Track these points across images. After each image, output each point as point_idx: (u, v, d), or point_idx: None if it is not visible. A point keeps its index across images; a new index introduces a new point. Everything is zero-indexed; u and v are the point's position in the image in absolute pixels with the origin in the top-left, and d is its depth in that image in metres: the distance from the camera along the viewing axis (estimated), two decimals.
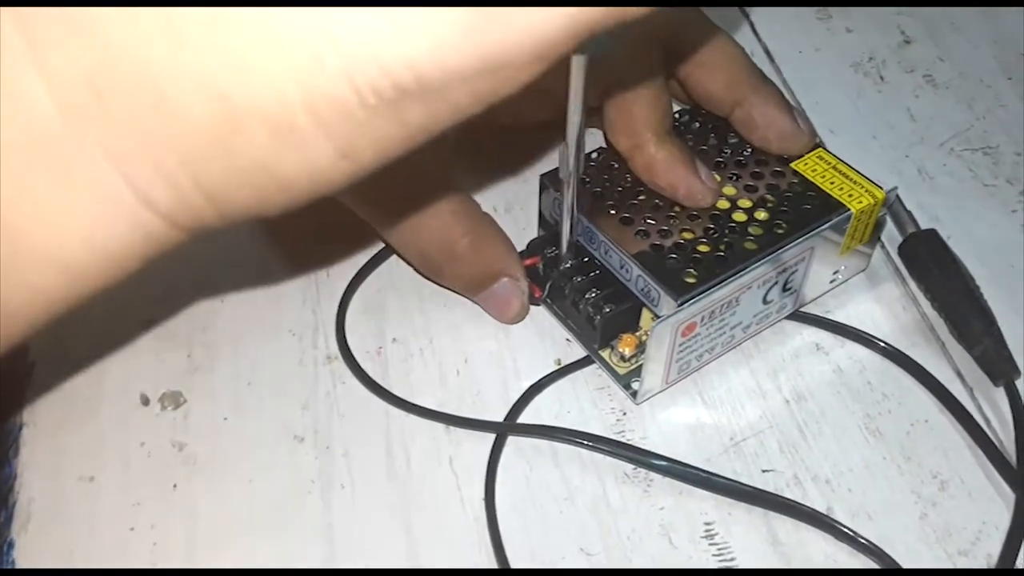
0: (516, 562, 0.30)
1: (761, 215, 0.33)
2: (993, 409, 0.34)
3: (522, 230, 0.39)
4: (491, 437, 0.33)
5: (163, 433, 0.33)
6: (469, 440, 0.33)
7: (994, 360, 0.34)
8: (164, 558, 0.30)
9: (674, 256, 0.32)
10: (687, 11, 0.36)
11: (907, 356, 0.35)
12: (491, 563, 0.30)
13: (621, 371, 0.34)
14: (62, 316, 0.22)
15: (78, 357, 0.35)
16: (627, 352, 0.34)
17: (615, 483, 0.32)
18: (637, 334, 0.34)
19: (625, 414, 0.34)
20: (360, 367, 0.35)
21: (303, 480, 0.32)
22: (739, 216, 0.33)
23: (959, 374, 0.35)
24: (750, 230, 0.33)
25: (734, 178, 0.35)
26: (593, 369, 0.35)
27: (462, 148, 0.36)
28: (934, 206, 0.40)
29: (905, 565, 0.30)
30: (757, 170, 0.35)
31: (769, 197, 0.34)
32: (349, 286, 0.37)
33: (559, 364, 0.35)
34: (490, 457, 0.32)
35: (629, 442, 0.33)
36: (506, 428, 0.33)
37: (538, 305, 0.36)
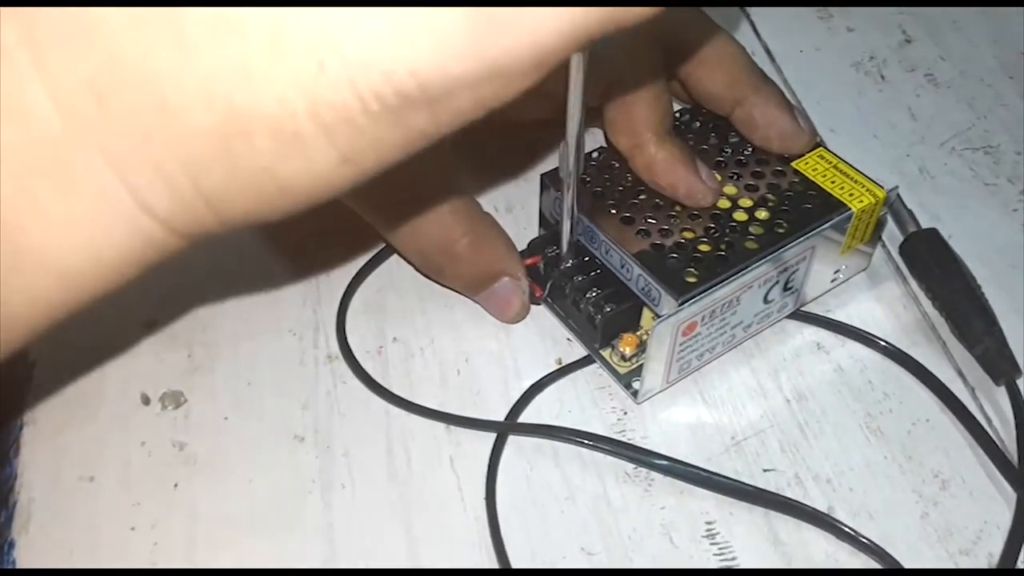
0: (517, 561, 0.30)
1: (762, 214, 0.33)
2: (994, 408, 0.34)
3: (523, 229, 0.39)
4: (492, 437, 0.33)
5: (164, 433, 0.33)
6: (470, 440, 0.33)
7: (995, 359, 0.34)
8: (164, 558, 0.30)
9: (675, 255, 0.32)
10: (688, 10, 0.36)
11: (908, 355, 0.35)
12: (492, 563, 0.30)
13: (622, 371, 0.34)
14: (61, 322, 0.22)
15: (79, 357, 0.35)
16: (628, 352, 0.34)
17: (616, 482, 0.32)
18: (638, 333, 0.34)
19: (626, 413, 0.34)
20: (361, 367, 0.35)
21: (303, 480, 0.32)
22: (740, 215, 0.33)
23: (960, 373, 0.35)
24: (751, 229, 0.33)
25: (735, 177, 0.35)
26: (594, 368, 0.35)
27: (462, 148, 0.36)
28: (935, 205, 0.40)
29: (906, 564, 0.30)
30: (758, 169, 0.35)
31: (770, 196, 0.34)
32: (349, 286, 0.37)
33: (560, 364, 0.35)
34: (491, 457, 0.32)
35: (630, 441, 0.33)
36: (507, 428, 0.33)
37: (539, 304, 0.36)
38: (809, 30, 0.49)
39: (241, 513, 0.31)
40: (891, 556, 0.30)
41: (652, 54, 0.33)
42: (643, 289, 0.32)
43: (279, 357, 0.35)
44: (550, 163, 0.33)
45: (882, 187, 0.34)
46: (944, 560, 0.30)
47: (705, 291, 0.31)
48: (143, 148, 0.19)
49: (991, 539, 0.31)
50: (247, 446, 0.33)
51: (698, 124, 0.37)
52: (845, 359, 0.35)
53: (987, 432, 0.33)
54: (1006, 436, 0.33)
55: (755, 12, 0.49)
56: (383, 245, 0.38)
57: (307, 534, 0.31)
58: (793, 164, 0.35)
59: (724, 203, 0.34)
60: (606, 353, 0.34)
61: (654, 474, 0.32)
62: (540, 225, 0.37)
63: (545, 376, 0.34)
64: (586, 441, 0.32)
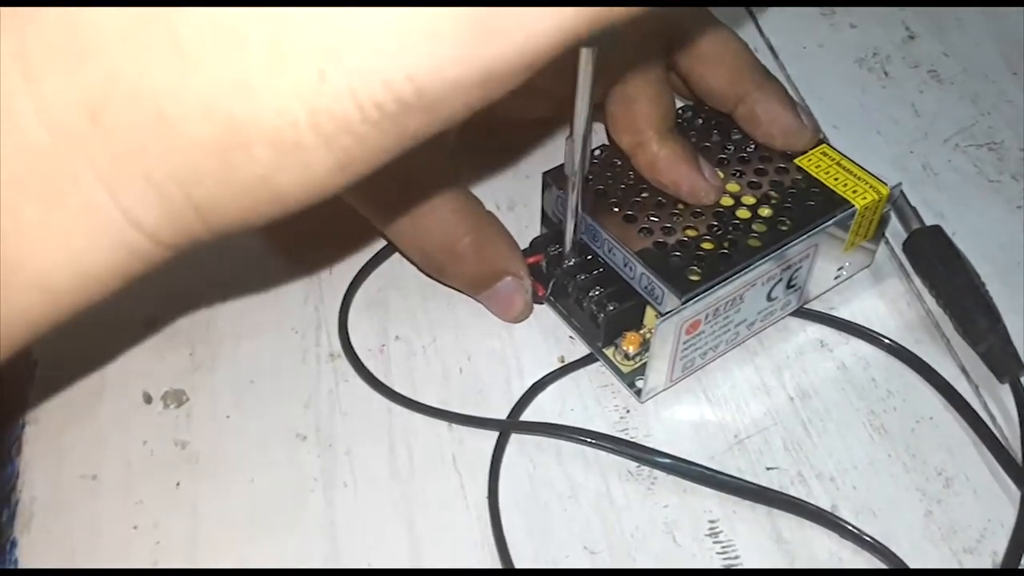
0: (519, 560, 0.30)
1: (765, 212, 0.33)
2: (998, 406, 0.34)
3: (524, 228, 0.39)
4: (494, 435, 0.33)
5: (165, 431, 0.33)
6: (472, 438, 0.33)
7: (999, 357, 0.34)
8: (166, 557, 0.30)
9: (678, 253, 0.32)
10: (690, 7, 0.36)
11: (912, 353, 0.35)
12: (494, 561, 0.30)
13: (625, 369, 0.34)
14: (43, 336, 0.22)
15: (80, 355, 0.35)
16: (631, 350, 0.33)
17: (619, 481, 0.32)
18: (641, 332, 0.34)
19: (629, 412, 0.34)
20: (363, 365, 0.35)
21: (305, 478, 0.32)
22: (743, 213, 0.33)
23: (964, 371, 0.35)
24: (754, 227, 0.33)
25: (738, 175, 0.34)
26: (596, 367, 0.35)
27: (463, 146, 0.36)
28: (939, 202, 0.40)
29: (910, 563, 0.30)
30: (761, 166, 0.35)
31: (773, 194, 0.34)
32: (351, 284, 0.37)
33: (562, 362, 0.35)
34: (493, 455, 0.32)
35: (633, 440, 0.33)
36: (509, 426, 0.33)
37: (541, 304, 0.36)
38: (812, 27, 0.48)
39: (243, 512, 0.31)
40: (895, 555, 0.30)
41: (654, 52, 0.33)
42: (646, 287, 0.32)
43: (281, 355, 0.35)
44: (551, 161, 0.33)
45: (885, 183, 0.34)
46: (948, 558, 0.30)
47: (708, 289, 0.31)
48: (136, 161, 0.19)
49: (995, 537, 0.30)
50: (249, 445, 0.33)
51: (700, 121, 0.37)
52: (848, 357, 0.35)
53: (991, 430, 0.33)
54: (1010, 434, 0.33)
55: (758, 9, 0.49)
56: (385, 243, 0.38)
57: (309, 533, 0.31)
58: (796, 161, 0.35)
59: (727, 201, 0.33)
60: (609, 352, 0.34)
61: (657, 472, 0.32)
62: (542, 223, 0.37)
63: (547, 374, 0.34)
64: (589, 439, 0.32)
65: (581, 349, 0.35)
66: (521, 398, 0.34)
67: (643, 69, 0.32)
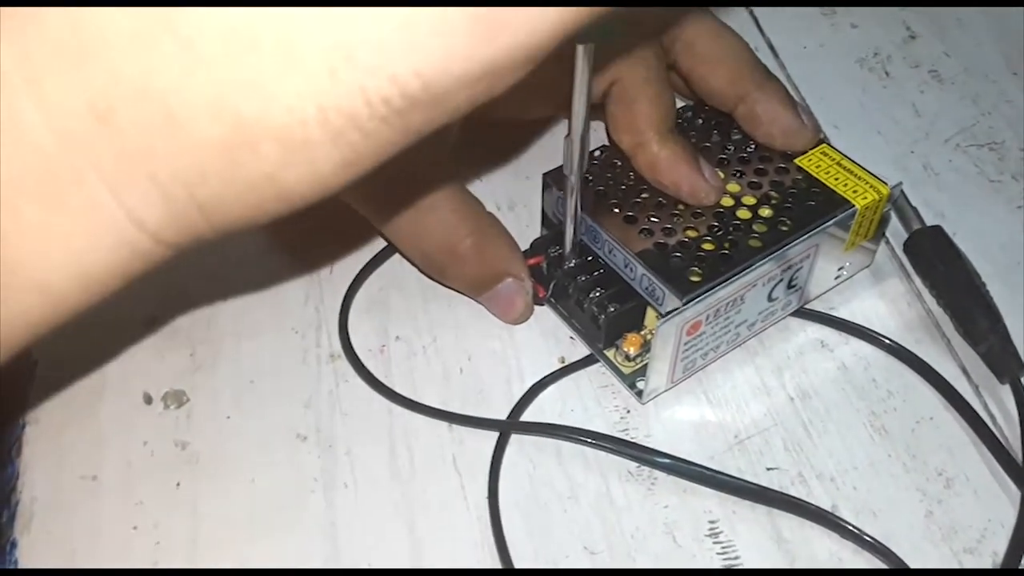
0: (519, 560, 0.30)
1: (765, 212, 0.33)
2: (999, 406, 0.34)
3: (525, 227, 0.39)
4: (494, 435, 0.33)
5: (166, 432, 0.33)
6: (472, 438, 0.33)
7: (1000, 357, 0.34)
8: (167, 557, 0.30)
9: (678, 254, 0.32)
10: (690, 7, 0.36)
11: (912, 353, 0.35)
12: (494, 562, 0.30)
13: (626, 370, 0.34)
14: (42, 338, 0.22)
15: (80, 356, 0.35)
16: (632, 351, 0.33)
17: (619, 481, 0.32)
18: (642, 333, 0.34)
19: (629, 412, 0.34)
20: (363, 365, 0.35)
21: (306, 479, 0.32)
22: (743, 213, 0.33)
23: (965, 371, 0.35)
24: (754, 227, 0.33)
25: (738, 175, 0.34)
26: (597, 367, 0.35)
27: (464, 146, 0.36)
28: (939, 202, 0.40)
29: (910, 563, 0.30)
30: (761, 167, 0.35)
31: (773, 194, 0.34)
32: (352, 284, 0.37)
33: (563, 362, 0.35)
34: (493, 455, 0.32)
35: (633, 440, 0.33)
36: (509, 426, 0.33)
37: (542, 305, 0.36)
38: (813, 27, 0.48)
39: (243, 512, 0.31)
40: (896, 555, 0.30)
41: (654, 52, 0.33)
42: (647, 288, 0.32)
43: (281, 356, 0.35)
44: (552, 161, 0.33)
45: (886, 183, 0.34)
46: (948, 559, 0.30)
47: (709, 290, 0.31)
48: (141, 161, 0.19)
49: (995, 537, 0.30)
50: (249, 445, 0.33)
51: (700, 121, 0.37)
52: (849, 357, 0.35)
53: (991, 430, 0.33)
54: (1010, 434, 0.33)
55: (759, 9, 0.49)
56: (386, 243, 0.38)
57: (309, 533, 0.31)
58: (796, 161, 0.35)
59: (727, 201, 0.33)
60: (610, 353, 0.34)
61: (657, 473, 0.32)
62: (542, 224, 0.37)
63: (548, 375, 0.34)
64: (589, 440, 0.32)
65: (581, 350, 0.35)
66: (521, 398, 0.34)
67: (643, 69, 0.32)
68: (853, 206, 0.33)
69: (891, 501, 0.31)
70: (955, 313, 0.35)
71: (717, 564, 0.30)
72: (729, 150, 0.35)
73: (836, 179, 0.34)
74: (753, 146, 0.35)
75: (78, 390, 0.34)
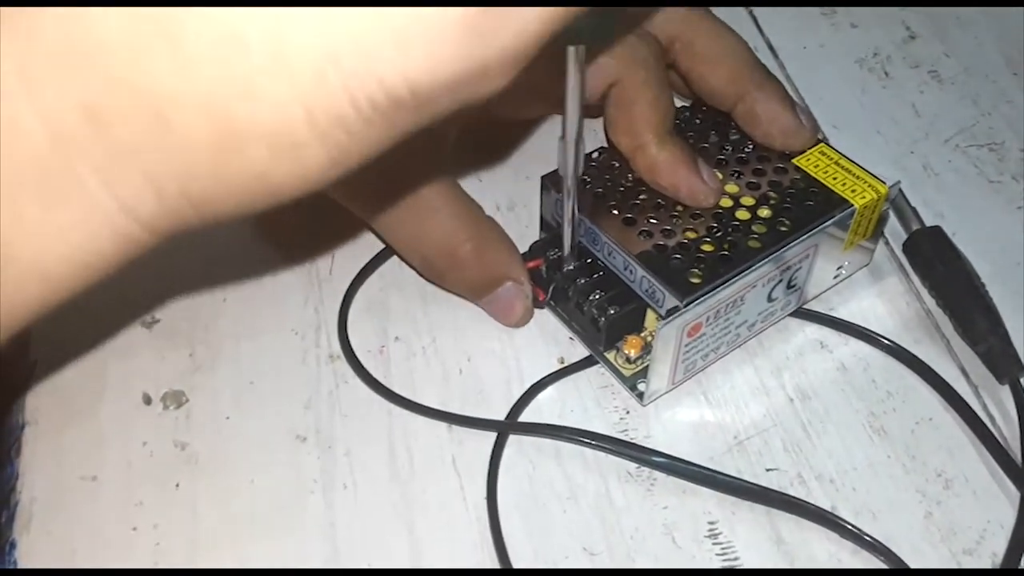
0: (519, 561, 0.30)
1: (764, 212, 0.33)
2: (998, 407, 0.34)
3: (525, 228, 0.39)
4: (494, 436, 0.33)
5: (165, 432, 0.33)
6: (472, 439, 0.33)
7: (999, 357, 0.34)
8: (166, 558, 0.30)
9: (678, 256, 0.32)
10: (690, 7, 0.36)
11: (911, 354, 0.35)
12: (494, 562, 0.30)
13: (627, 373, 0.34)
14: (38, 319, 0.23)
15: (80, 356, 0.35)
16: (633, 354, 0.33)
17: (618, 482, 0.32)
18: (642, 335, 0.34)
19: (628, 413, 0.34)
20: (362, 366, 0.35)
21: (305, 480, 0.32)
22: (742, 214, 0.33)
23: (964, 372, 0.35)
24: (754, 228, 0.32)
25: (736, 175, 0.34)
26: (596, 368, 0.35)
27: (464, 147, 0.36)
28: (939, 202, 0.40)
29: (910, 564, 0.30)
30: (759, 167, 0.35)
31: (772, 194, 0.34)
32: (352, 285, 0.37)
33: (562, 363, 0.35)
34: (491, 456, 0.32)
35: (632, 441, 0.33)
36: (508, 427, 0.33)
37: (542, 308, 0.36)
38: (813, 27, 0.48)
39: (243, 513, 0.31)
40: (896, 555, 0.30)
41: (653, 53, 0.33)
42: (647, 291, 0.32)
43: (281, 356, 0.35)
44: (552, 161, 0.33)
45: (884, 182, 0.34)
46: (947, 560, 0.30)
47: (709, 292, 0.31)
48: (133, 160, 0.20)
49: (995, 538, 0.30)
50: (249, 446, 0.33)
51: (699, 121, 0.36)
52: (848, 357, 0.35)
53: (991, 431, 0.33)
54: (1010, 435, 0.33)
55: (759, 9, 0.49)
56: (385, 245, 0.38)
57: (309, 534, 0.31)
58: (795, 161, 0.35)
59: (726, 202, 0.33)
60: (610, 355, 0.34)
61: (656, 473, 0.32)
62: (541, 228, 0.37)
63: (547, 376, 0.34)
64: (587, 440, 0.32)
65: (581, 350, 0.35)
66: (520, 399, 0.34)
67: (642, 71, 0.32)
68: (852, 205, 0.33)
69: (890, 502, 0.31)
70: (954, 314, 0.35)
71: (716, 565, 0.30)
72: (727, 150, 0.35)
73: (834, 179, 0.34)
74: (751, 146, 0.35)
75: (78, 391, 0.34)
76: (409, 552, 0.30)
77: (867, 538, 0.30)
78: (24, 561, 0.30)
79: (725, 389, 0.34)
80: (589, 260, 0.34)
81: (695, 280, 0.31)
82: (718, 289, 0.31)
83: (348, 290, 0.37)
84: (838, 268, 0.36)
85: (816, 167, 0.34)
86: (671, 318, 0.30)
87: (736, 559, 0.30)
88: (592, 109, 0.34)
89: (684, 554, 0.30)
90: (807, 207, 0.33)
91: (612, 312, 0.33)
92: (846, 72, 0.46)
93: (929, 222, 0.38)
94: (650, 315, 0.33)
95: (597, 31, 0.22)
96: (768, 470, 0.32)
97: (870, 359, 0.35)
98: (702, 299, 0.31)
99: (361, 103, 0.19)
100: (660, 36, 0.34)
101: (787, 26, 0.48)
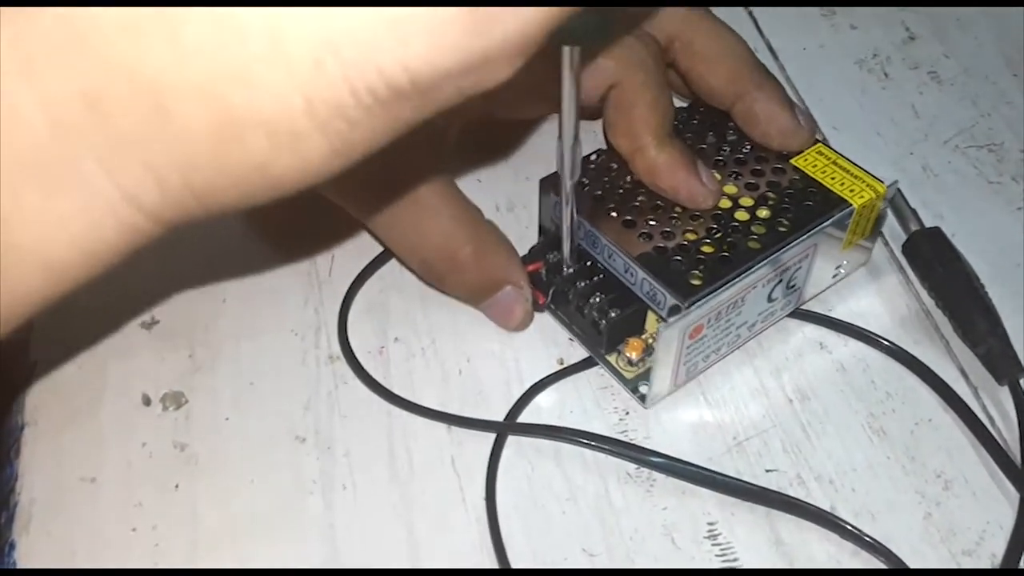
0: (518, 562, 0.30)
1: (763, 213, 0.33)
2: (998, 408, 0.34)
3: (525, 228, 0.39)
4: (493, 437, 0.33)
5: (165, 433, 0.33)
6: (471, 440, 0.33)
7: (999, 359, 0.34)
8: (166, 559, 0.30)
9: (678, 258, 0.32)
10: (691, 7, 0.36)
11: (911, 355, 0.35)
12: (493, 564, 0.30)
13: (628, 375, 0.34)
14: (42, 311, 0.23)
15: (79, 357, 0.35)
16: (634, 356, 0.33)
17: (617, 483, 0.32)
18: (643, 337, 0.34)
19: (628, 413, 0.34)
20: (362, 367, 0.35)
21: (305, 481, 0.32)
22: (741, 215, 0.33)
23: (963, 373, 0.35)
24: (753, 229, 0.32)
25: (735, 176, 0.34)
26: (596, 369, 0.35)
27: (463, 147, 0.36)
28: (938, 204, 0.40)
29: (909, 565, 0.30)
30: (758, 167, 0.35)
31: (770, 194, 0.34)
32: (352, 286, 0.37)
33: (561, 364, 0.35)
34: (490, 457, 0.32)
35: (632, 442, 0.33)
36: (507, 428, 0.33)
37: (542, 312, 0.36)
38: (812, 28, 0.48)
39: (242, 514, 0.31)
40: (896, 555, 0.30)
41: (652, 56, 0.33)
42: (648, 293, 0.32)
43: (280, 357, 0.35)
44: (551, 162, 0.33)
45: (882, 182, 0.34)
46: (947, 561, 0.30)
47: (710, 293, 0.31)
48: (134, 149, 0.20)
49: (994, 539, 0.30)
50: (248, 447, 0.33)
51: (696, 122, 0.36)
52: (847, 358, 0.35)
53: (990, 432, 0.33)
54: (1009, 436, 0.33)
55: (758, 10, 0.49)
56: (385, 248, 0.38)
57: (308, 535, 0.31)
58: (792, 161, 0.35)
59: (725, 203, 0.33)
60: (612, 358, 0.34)
61: (656, 474, 0.32)
62: (539, 230, 0.37)
63: (547, 376, 0.34)
64: (587, 441, 0.32)
65: (580, 351, 0.35)
66: (519, 400, 0.34)
67: (642, 73, 0.32)
68: (850, 205, 0.33)
69: (890, 503, 0.31)
70: (954, 315, 0.35)
71: (716, 565, 0.30)
72: (725, 151, 0.35)
73: (832, 178, 0.34)
74: (749, 147, 0.35)
75: (77, 391, 0.34)
76: (408, 553, 0.30)
77: (867, 539, 0.30)
78: (23, 562, 0.30)
79: (724, 390, 0.34)
80: (589, 263, 0.34)
81: (696, 282, 0.31)
82: (719, 291, 0.31)
83: (348, 291, 0.37)
84: (837, 267, 0.36)
85: (814, 167, 0.34)
86: (673, 320, 0.30)
87: (735, 560, 0.30)
88: (591, 111, 0.34)
89: (683, 555, 0.30)
90: (806, 207, 0.33)
91: (613, 315, 0.33)
92: (846, 73, 0.46)
93: (928, 223, 0.38)
94: (651, 317, 0.33)
95: (594, 31, 0.22)
96: (767, 471, 0.32)
97: (869, 360, 0.35)
98: (704, 301, 0.31)
99: (361, 93, 0.19)
100: (659, 35, 0.34)
101: (787, 27, 0.48)
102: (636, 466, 0.32)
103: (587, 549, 0.30)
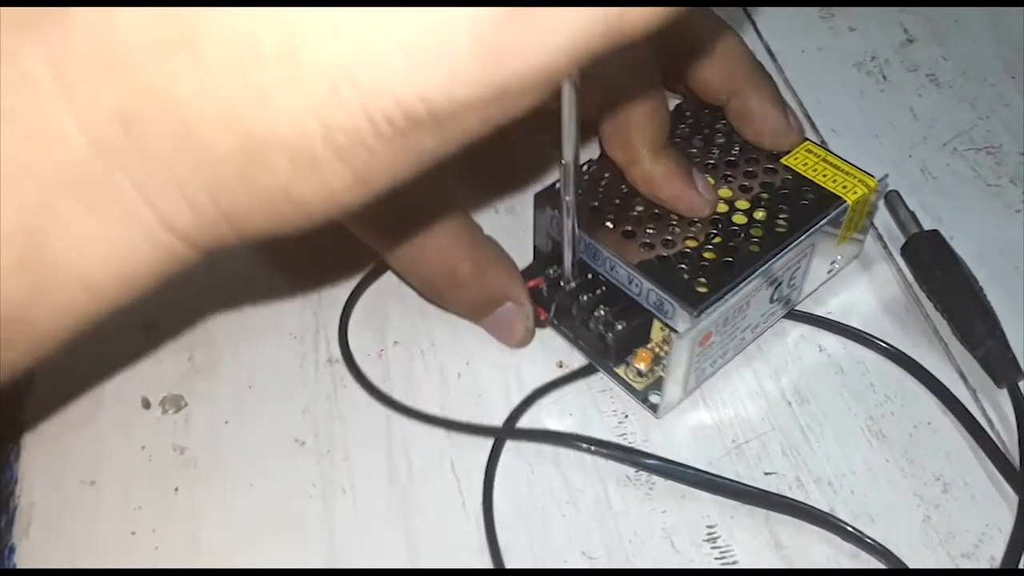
0: (517, 565, 0.30)
1: (759, 215, 0.33)
2: (996, 411, 0.34)
3: (523, 231, 0.39)
4: (492, 441, 0.33)
5: (164, 437, 0.33)
6: (471, 443, 0.33)
7: (997, 362, 0.34)
8: (165, 562, 0.30)
9: (682, 266, 0.31)
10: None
11: (910, 358, 0.35)
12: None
13: (639, 386, 0.33)
14: (84, 332, 0.23)
15: (79, 361, 0.35)
16: (644, 367, 0.33)
17: (617, 486, 0.32)
18: (650, 347, 0.34)
19: (627, 416, 0.34)
20: (361, 371, 0.35)
21: (304, 484, 0.32)
22: (739, 218, 0.33)
23: (962, 376, 0.35)
24: (752, 232, 0.32)
25: (727, 179, 0.34)
26: (595, 372, 0.35)
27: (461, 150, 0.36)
28: (937, 206, 0.40)
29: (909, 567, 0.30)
30: (749, 169, 0.35)
31: (765, 195, 0.34)
32: (354, 290, 0.37)
33: (561, 366, 0.35)
34: (488, 463, 0.32)
35: (631, 444, 0.33)
36: (505, 433, 0.33)
37: (544, 327, 0.35)
38: (811, 30, 0.48)
39: (242, 517, 0.31)
40: (896, 556, 0.30)
41: (650, 64, 0.33)
42: (655, 303, 0.31)
43: (280, 361, 0.35)
44: (551, 162, 0.33)
45: (872, 176, 0.34)
46: (945, 563, 0.30)
47: (718, 300, 0.30)
48: (166, 171, 0.20)
49: (993, 542, 0.30)
50: (248, 450, 0.33)
51: (684, 127, 0.36)
52: (846, 361, 0.35)
53: (989, 435, 0.33)
54: (1008, 439, 0.33)
55: (757, 12, 0.49)
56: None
57: (307, 538, 0.31)
58: (783, 160, 0.35)
59: (722, 207, 0.33)
60: (620, 370, 0.34)
61: (655, 477, 0.32)
62: (534, 252, 0.36)
63: (545, 378, 0.34)
64: (586, 446, 0.32)
65: (579, 355, 0.35)
66: (519, 404, 0.34)
67: (638, 83, 0.32)
68: (845, 202, 0.33)
69: (889, 506, 0.31)
70: (952, 318, 0.35)
71: (715, 568, 0.30)
72: (715, 153, 0.35)
73: (824, 176, 0.34)
74: (737, 148, 0.35)
75: (77, 395, 0.34)
76: (408, 556, 0.30)
77: (868, 540, 0.30)
78: (23, 565, 0.30)
79: (724, 393, 0.34)
80: (590, 275, 0.34)
81: (702, 290, 0.31)
82: (726, 297, 0.31)
83: (351, 295, 0.37)
84: (832, 263, 0.36)
85: (805, 165, 0.34)
86: (686, 331, 0.30)
87: (735, 562, 0.30)
88: (588, 130, 0.34)
89: (683, 558, 0.30)
90: (801, 207, 0.33)
91: (619, 327, 0.32)
92: (844, 76, 0.46)
93: (927, 226, 0.38)
94: (656, 326, 0.33)
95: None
96: (767, 473, 0.32)
97: (868, 363, 0.35)
98: (713, 308, 0.30)
99: (378, 120, 0.19)
100: (656, 46, 0.34)
101: (785, 29, 0.48)
102: (635, 469, 0.32)
103: (586, 552, 0.30)
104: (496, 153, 0.41)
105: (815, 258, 0.34)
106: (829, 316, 0.36)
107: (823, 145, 0.36)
